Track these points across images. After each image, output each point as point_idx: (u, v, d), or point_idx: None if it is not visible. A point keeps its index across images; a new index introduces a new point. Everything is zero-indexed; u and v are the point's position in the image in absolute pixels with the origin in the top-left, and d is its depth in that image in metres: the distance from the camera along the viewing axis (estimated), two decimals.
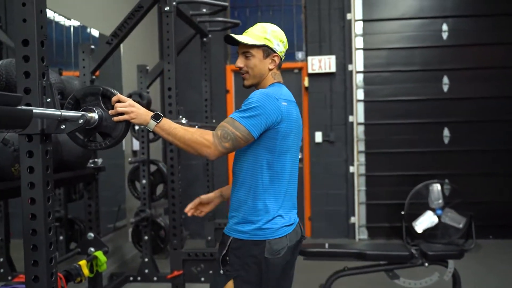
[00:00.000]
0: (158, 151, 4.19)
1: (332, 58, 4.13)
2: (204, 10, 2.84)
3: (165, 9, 2.20)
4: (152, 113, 1.24)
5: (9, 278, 2.18)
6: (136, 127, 3.05)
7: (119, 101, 1.19)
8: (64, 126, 1.08)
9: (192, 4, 2.71)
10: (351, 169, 4.15)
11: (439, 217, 3.70)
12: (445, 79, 4.09)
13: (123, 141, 1.28)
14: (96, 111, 1.17)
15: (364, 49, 4.14)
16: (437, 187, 3.74)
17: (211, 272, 2.12)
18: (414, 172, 4.04)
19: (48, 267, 1.06)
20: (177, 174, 2.22)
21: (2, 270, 2.23)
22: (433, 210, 3.72)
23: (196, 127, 2.55)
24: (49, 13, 2.55)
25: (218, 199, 1.55)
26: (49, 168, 1.09)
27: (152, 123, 1.23)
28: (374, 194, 4.13)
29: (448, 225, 3.72)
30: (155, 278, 2.99)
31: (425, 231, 3.70)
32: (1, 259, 2.23)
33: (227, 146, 1.25)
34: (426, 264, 2.24)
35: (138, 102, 1.26)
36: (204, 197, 1.53)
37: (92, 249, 1.92)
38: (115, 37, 2.11)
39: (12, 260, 2.26)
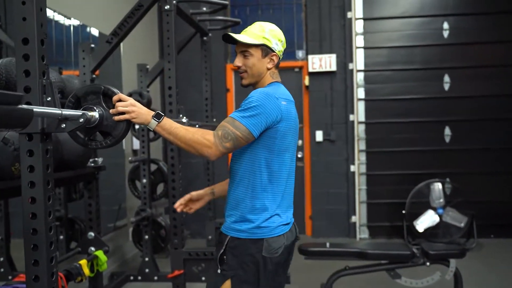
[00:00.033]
0: (158, 150, 4.19)
1: (333, 56, 4.12)
2: (204, 8, 2.83)
3: (165, 7, 2.19)
4: (153, 113, 1.23)
5: (10, 277, 2.18)
6: (137, 126, 3.05)
7: (120, 100, 1.18)
8: (64, 125, 1.07)
9: (192, 3, 2.71)
10: (352, 168, 4.15)
11: (440, 216, 3.69)
12: (446, 78, 4.08)
13: (123, 140, 1.27)
14: (97, 110, 1.16)
15: (364, 48, 4.13)
16: (438, 186, 3.73)
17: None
18: (415, 171, 4.03)
19: (48, 267, 1.06)
20: (177, 173, 2.21)
21: (2, 270, 2.22)
22: (434, 209, 3.71)
23: (197, 126, 2.54)
24: (49, 12, 2.54)
25: (209, 197, 1.54)
26: (50, 167, 1.08)
27: (153, 122, 1.22)
28: (375, 193, 4.13)
29: (450, 224, 3.71)
30: (155, 278, 2.99)
31: (426, 230, 3.69)
32: (2, 259, 2.23)
33: (228, 146, 1.25)
34: (428, 264, 2.23)
35: (138, 101, 1.25)
36: (194, 193, 1.52)
37: (93, 248, 1.91)
38: (115, 36, 2.10)
39: (12, 260, 2.26)
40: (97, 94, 1.18)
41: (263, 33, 1.35)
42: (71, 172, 1.77)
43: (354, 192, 4.14)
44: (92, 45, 2.09)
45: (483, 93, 4.02)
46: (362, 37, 4.13)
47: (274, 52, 1.37)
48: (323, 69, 4.12)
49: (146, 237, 3.01)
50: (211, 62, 3.25)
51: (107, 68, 3.03)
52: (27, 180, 1.05)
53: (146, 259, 3.00)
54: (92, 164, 1.97)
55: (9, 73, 1.41)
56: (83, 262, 1.75)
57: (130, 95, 2.79)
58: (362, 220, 4.15)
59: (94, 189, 2.03)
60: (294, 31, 4.30)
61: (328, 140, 4.18)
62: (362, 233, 4.15)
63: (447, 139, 4.08)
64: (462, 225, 3.69)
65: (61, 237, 2.63)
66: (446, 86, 4.08)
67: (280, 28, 1.42)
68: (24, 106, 0.89)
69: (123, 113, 1.18)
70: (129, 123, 1.20)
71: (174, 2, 2.20)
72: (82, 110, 1.14)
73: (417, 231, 3.71)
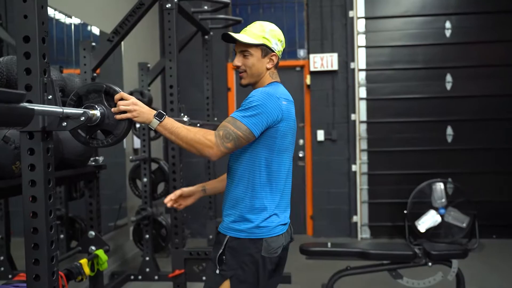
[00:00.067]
0: (159, 149, 4.18)
1: (334, 55, 4.11)
2: (206, 7, 2.82)
3: (167, 6, 2.18)
4: (155, 112, 1.23)
5: (10, 276, 2.17)
6: (137, 125, 3.03)
7: (122, 99, 1.18)
8: (65, 123, 1.07)
9: (194, 1, 2.69)
10: (353, 167, 4.13)
11: (442, 216, 3.68)
12: (448, 77, 4.06)
13: (124, 139, 1.27)
14: (98, 109, 1.16)
15: (366, 47, 4.11)
16: (440, 186, 3.72)
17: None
18: (417, 170, 4.02)
19: (49, 266, 1.06)
20: (178, 172, 2.20)
21: (2, 269, 2.22)
22: (436, 209, 3.70)
23: (198, 125, 2.53)
24: (50, 11, 2.53)
25: (200, 194, 1.52)
26: (51, 166, 1.08)
27: (155, 121, 1.22)
28: (376, 193, 4.11)
29: (451, 224, 3.70)
30: (156, 277, 2.98)
31: (428, 230, 3.68)
32: (2, 258, 2.22)
33: (229, 146, 1.25)
34: (430, 264, 2.22)
35: (139, 100, 1.25)
36: (186, 189, 1.50)
37: (93, 247, 1.91)
38: (116, 34, 2.10)
39: (12, 259, 2.25)
40: (99, 92, 1.17)
41: (263, 33, 1.34)
42: (71, 171, 1.76)
43: (355, 192, 4.13)
44: (93, 44, 2.08)
45: (485, 93, 4.00)
46: (363, 36, 4.11)
47: (274, 52, 1.36)
48: (325, 68, 4.11)
49: (147, 236, 3.00)
50: (213, 61, 3.24)
51: (108, 67, 3.02)
52: (28, 178, 1.05)
53: (147, 258, 2.99)
54: (93, 163, 1.96)
55: (10, 71, 1.40)
56: (84, 261, 1.74)
57: (131, 93, 2.78)
58: (364, 220, 4.14)
59: (95, 188, 2.03)
60: (295, 30, 4.29)
61: (330, 140, 4.17)
62: (364, 233, 4.14)
63: (449, 139, 4.07)
64: (464, 225, 3.68)
65: (62, 236, 2.62)
66: (448, 86, 4.07)
67: (282, 27, 1.42)
68: (26, 104, 0.88)
69: (125, 112, 1.18)
70: (131, 122, 1.20)
71: (176, 0, 2.19)
72: (83, 108, 1.14)
73: (418, 231, 3.70)
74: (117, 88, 1.19)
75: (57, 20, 2.70)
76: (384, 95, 4.11)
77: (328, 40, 4.15)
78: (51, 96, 1.04)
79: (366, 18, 4.11)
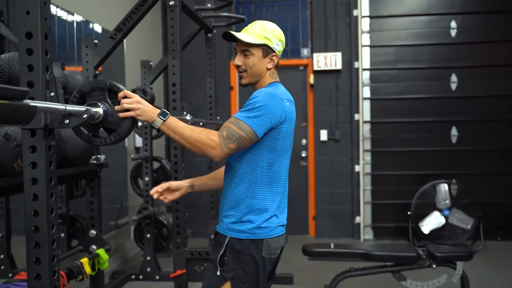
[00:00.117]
0: (161, 148, 4.16)
1: (338, 55, 4.08)
2: (209, 5, 2.80)
3: (170, 3, 2.15)
4: (158, 111, 1.22)
5: (10, 275, 2.15)
6: (139, 123, 3.02)
7: (125, 97, 1.17)
8: (68, 120, 1.06)
9: None
10: (357, 168, 4.11)
11: (446, 217, 3.66)
12: (453, 77, 4.04)
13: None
14: (101, 106, 1.15)
15: (370, 46, 4.09)
16: (444, 187, 3.70)
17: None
18: (421, 171, 4.00)
19: (50, 265, 1.05)
20: (180, 171, 2.18)
21: (3, 267, 2.21)
22: (440, 210, 3.68)
23: (201, 124, 2.51)
24: (52, 8, 2.51)
25: (187, 189, 1.49)
26: (52, 164, 1.07)
27: (159, 120, 1.21)
28: (379, 194, 4.09)
29: (456, 226, 3.68)
30: (157, 277, 2.96)
31: (432, 231, 3.66)
32: (2, 256, 2.21)
33: (232, 147, 1.25)
34: (434, 266, 2.20)
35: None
36: (174, 183, 1.48)
37: (94, 246, 1.89)
38: (118, 31, 2.08)
39: (13, 257, 2.24)
40: (103, 90, 1.17)
41: (265, 32, 1.34)
42: (73, 169, 1.75)
43: (358, 192, 4.10)
44: (95, 41, 2.06)
45: (490, 93, 3.97)
46: (368, 35, 4.09)
47: (275, 52, 1.36)
48: (328, 68, 4.09)
49: (148, 235, 2.99)
50: (216, 59, 3.21)
51: (110, 65, 3.00)
52: (29, 176, 1.04)
53: (148, 258, 2.98)
54: (95, 162, 1.95)
55: (11, 68, 1.38)
56: (85, 260, 1.73)
57: (133, 92, 2.75)
58: (367, 220, 4.11)
59: (96, 186, 2.01)
60: (299, 29, 4.26)
61: (333, 140, 4.15)
62: (367, 234, 4.12)
63: (454, 140, 4.04)
64: (469, 227, 3.65)
65: (62, 234, 2.61)
66: (453, 86, 4.04)
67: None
68: (28, 101, 0.87)
69: (128, 110, 1.17)
70: (134, 121, 1.19)
71: None
72: (86, 106, 1.12)
73: (422, 232, 3.68)
74: (121, 86, 1.18)
75: (59, 17, 2.68)
76: (388, 95, 4.09)
77: (332, 39, 4.12)
78: (53, 93, 1.04)
79: (371, 17, 4.08)
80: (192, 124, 2.12)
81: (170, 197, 1.47)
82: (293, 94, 1.42)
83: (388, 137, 4.08)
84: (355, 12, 4.08)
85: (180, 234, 2.16)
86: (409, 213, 3.80)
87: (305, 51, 4.28)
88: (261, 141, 1.29)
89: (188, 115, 2.24)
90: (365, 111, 4.09)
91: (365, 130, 4.10)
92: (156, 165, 3.19)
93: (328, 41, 4.13)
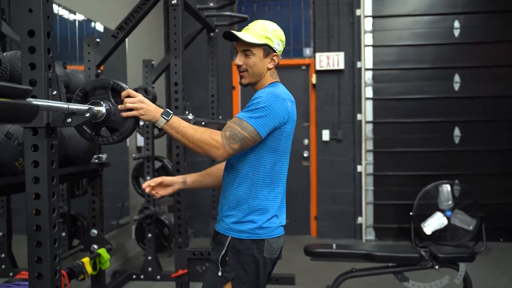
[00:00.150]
0: (162, 148, 4.16)
1: (341, 54, 4.07)
2: (211, 4, 2.79)
3: (172, 2, 2.15)
4: (162, 110, 1.22)
5: (11, 274, 2.15)
6: (141, 123, 3.01)
7: (129, 96, 1.17)
8: (70, 119, 1.06)
9: None
10: (359, 168, 4.10)
11: (448, 218, 3.64)
12: (456, 77, 4.02)
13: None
14: (104, 105, 1.15)
15: (373, 46, 4.07)
16: (447, 187, 3.68)
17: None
18: (423, 172, 3.98)
19: (52, 264, 1.05)
20: (183, 171, 2.17)
21: (3, 266, 2.20)
22: (443, 211, 3.66)
23: (203, 123, 2.50)
24: (54, 7, 2.49)
25: (180, 186, 1.48)
26: (54, 163, 1.07)
27: (162, 120, 1.21)
28: (382, 194, 4.08)
29: (458, 227, 3.66)
30: (158, 277, 2.96)
31: (434, 232, 3.64)
32: (3, 255, 2.20)
33: (236, 147, 1.24)
34: (437, 267, 2.19)
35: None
36: (167, 178, 1.47)
37: (96, 246, 1.89)
38: (121, 30, 2.07)
39: (14, 256, 2.23)
40: (106, 89, 1.16)
41: (266, 32, 1.33)
42: (75, 168, 1.74)
43: (360, 193, 4.09)
44: (97, 40, 2.06)
45: (494, 94, 3.95)
46: (370, 35, 4.07)
47: (276, 52, 1.35)
48: (331, 67, 4.07)
49: (149, 235, 2.98)
50: (218, 58, 3.20)
51: (112, 64, 2.99)
52: (31, 175, 1.04)
53: (149, 257, 2.97)
54: (96, 161, 1.94)
55: (13, 67, 1.38)
56: (86, 260, 1.72)
57: (135, 91, 2.75)
58: (369, 221, 4.10)
59: (98, 185, 2.00)
60: (301, 28, 4.25)
61: (335, 140, 4.13)
62: (368, 235, 4.10)
63: (457, 140, 4.02)
64: (471, 228, 3.63)
65: (63, 234, 2.60)
66: (456, 86, 4.02)
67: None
68: (30, 99, 0.86)
69: (131, 109, 1.16)
70: (137, 120, 1.19)
71: None
72: (89, 104, 1.12)
73: (424, 233, 3.66)
74: (124, 85, 1.17)
75: (61, 16, 2.68)
76: (391, 95, 4.07)
77: (335, 39, 4.11)
78: (55, 92, 1.03)
79: (374, 16, 4.06)
80: (194, 123, 2.12)
81: (161, 192, 1.46)
82: (295, 94, 1.42)
83: (390, 137, 4.06)
84: (358, 12, 4.07)
85: (181, 233, 2.16)
86: (411, 213, 3.78)
87: (307, 51, 4.27)
88: (264, 141, 1.29)
89: (190, 114, 2.23)
90: (367, 111, 4.08)
91: (367, 130, 4.08)
92: (157, 164, 3.18)
93: (330, 41, 4.12)
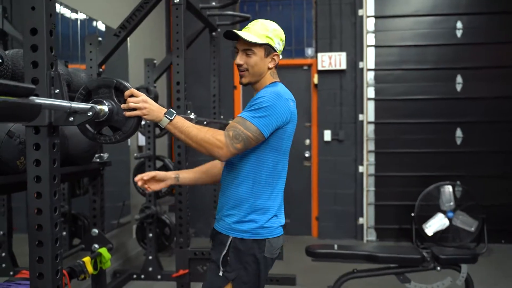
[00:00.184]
0: (164, 147, 4.15)
1: (343, 55, 4.06)
2: (214, 3, 2.78)
3: (175, 1, 2.14)
4: (165, 110, 1.21)
5: (11, 273, 2.14)
6: (143, 122, 3.00)
7: (132, 96, 1.16)
8: (72, 118, 1.05)
9: None
10: (360, 168, 4.09)
11: (450, 219, 3.63)
12: (459, 78, 4.00)
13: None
14: (107, 104, 1.14)
15: (375, 46, 4.06)
16: (448, 188, 3.67)
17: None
18: (425, 173, 3.97)
19: (53, 264, 1.05)
20: None
21: (4, 265, 2.19)
22: (444, 212, 3.65)
23: (205, 123, 2.50)
24: (56, 5, 2.49)
25: (172, 181, 1.47)
26: (56, 162, 1.06)
27: (165, 120, 1.21)
28: (383, 195, 4.07)
29: (460, 228, 3.65)
30: (159, 277, 2.95)
31: (435, 233, 3.63)
32: (4, 254, 2.20)
33: (239, 147, 1.24)
34: (439, 268, 2.18)
35: None
36: (160, 173, 1.46)
37: (96, 245, 1.88)
38: (123, 29, 2.06)
39: (14, 255, 2.22)
40: (109, 88, 1.16)
41: (267, 32, 1.33)
42: (76, 167, 1.73)
43: (362, 193, 4.08)
44: (100, 38, 2.05)
45: (496, 95, 3.94)
46: (373, 35, 4.06)
47: (276, 52, 1.36)
48: (333, 68, 4.07)
49: (150, 235, 2.98)
50: (220, 58, 3.20)
51: (113, 63, 2.98)
52: (33, 174, 1.03)
53: (150, 257, 2.97)
54: (98, 160, 1.93)
55: (15, 65, 1.37)
56: (87, 259, 1.71)
57: (137, 90, 2.74)
58: (370, 222, 4.09)
59: (99, 185, 2.00)
60: (303, 28, 4.24)
61: (337, 140, 4.12)
62: (370, 235, 4.09)
63: (459, 141, 4.01)
64: (473, 229, 3.62)
65: (64, 233, 2.60)
66: (459, 87, 4.01)
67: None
68: (33, 98, 0.86)
69: (134, 109, 1.16)
70: (140, 120, 1.18)
71: None
72: (91, 103, 1.11)
73: (426, 234, 3.65)
74: (127, 84, 1.17)
75: (63, 15, 2.67)
76: (393, 95, 4.06)
77: (337, 39, 4.10)
78: (58, 90, 1.02)
79: (376, 17, 4.05)
80: (196, 123, 2.11)
81: (153, 187, 1.45)
82: (297, 94, 1.42)
83: (392, 138, 4.05)
84: (360, 12, 4.06)
85: (182, 233, 2.15)
86: (412, 214, 3.77)
87: (309, 51, 4.26)
88: (267, 141, 1.29)
89: (192, 113, 2.23)
90: (369, 112, 4.07)
91: (369, 130, 4.07)
92: (159, 164, 3.17)
93: (332, 41, 4.11)
